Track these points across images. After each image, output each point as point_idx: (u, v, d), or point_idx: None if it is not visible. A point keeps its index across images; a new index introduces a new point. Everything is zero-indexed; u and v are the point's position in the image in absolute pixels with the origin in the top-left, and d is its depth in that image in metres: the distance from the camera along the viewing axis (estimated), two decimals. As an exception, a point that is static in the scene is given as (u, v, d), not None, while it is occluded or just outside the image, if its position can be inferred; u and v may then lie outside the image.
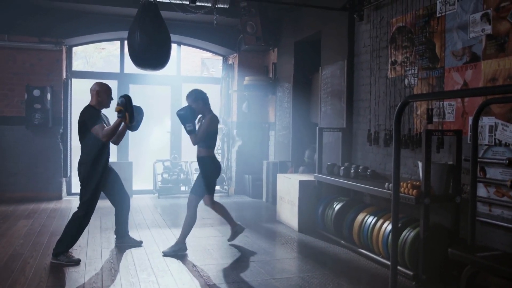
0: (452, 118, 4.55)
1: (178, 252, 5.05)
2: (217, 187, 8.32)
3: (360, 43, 6.18)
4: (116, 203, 5.29)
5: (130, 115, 4.79)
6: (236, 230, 5.49)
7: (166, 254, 5.03)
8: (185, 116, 5.02)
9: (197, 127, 5.17)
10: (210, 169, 5.20)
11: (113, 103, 5.11)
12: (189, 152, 9.80)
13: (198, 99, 5.18)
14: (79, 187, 4.85)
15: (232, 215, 5.57)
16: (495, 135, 4.05)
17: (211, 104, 5.37)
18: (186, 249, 5.13)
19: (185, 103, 5.28)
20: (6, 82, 8.21)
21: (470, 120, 4.14)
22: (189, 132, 5.04)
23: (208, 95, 5.32)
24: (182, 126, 5.16)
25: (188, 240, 5.46)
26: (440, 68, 4.72)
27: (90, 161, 4.79)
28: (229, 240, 5.53)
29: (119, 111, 4.77)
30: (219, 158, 9.38)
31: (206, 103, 5.23)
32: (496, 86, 3.98)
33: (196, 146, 5.22)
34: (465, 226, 4.06)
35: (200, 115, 5.26)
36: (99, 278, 4.29)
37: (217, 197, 6.89)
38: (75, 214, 4.80)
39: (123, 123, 4.87)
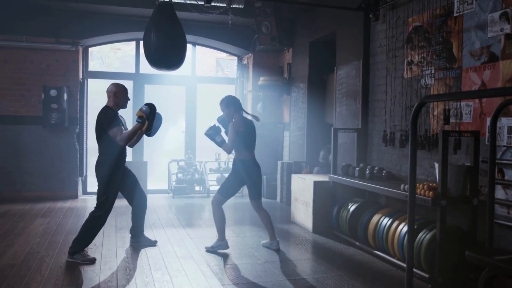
0: (470, 119, 4.49)
1: (217, 248, 5.19)
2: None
3: (375, 43, 6.14)
4: (133, 203, 5.32)
5: (149, 125, 4.80)
6: (272, 243, 5.39)
7: (207, 250, 5.19)
8: (211, 134, 5.16)
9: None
10: (246, 172, 5.22)
11: (130, 103, 5.14)
12: (204, 152, 9.85)
13: (230, 105, 5.22)
14: (97, 187, 4.89)
15: (246, 215, 5.56)
16: (513, 136, 3.99)
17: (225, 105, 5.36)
18: (226, 246, 5.23)
19: (200, 104, 5.31)
20: (23, 82, 8.32)
21: (488, 121, 4.09)
22: (219, 144, 5.16)
23: (222, 95, 5.34)
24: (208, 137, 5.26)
25: (202, 241, 5.48)
26: (458, 68, 4.66)
27: (107, 161, 4.82)
28: (264, 245, 5.46)
29: (139, 117, 4.78)
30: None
31: (237, 108, 5.25)
32: (515, 86, 3.91)
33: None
34: (482, 229, 4.00)
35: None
36: (114, 277, 4.32)
37: (232, 198, 6.88)
38: (92, 213, 4.84)
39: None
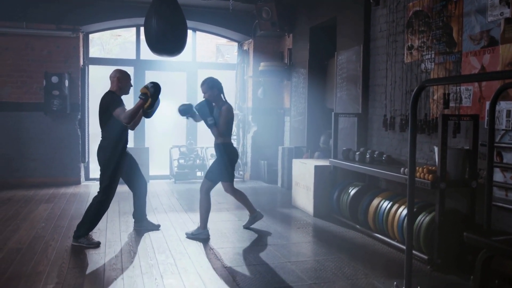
0: (469, 103, 4.53)
1: (198, 236, 5.12)
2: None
3: (376, 28, 6.14)
4: (133, 188, 5.38)
5: (152, 102, 4.77)
6: (255, 216, 5.54)
7: (187, 236, 5.16)
8: (204, 111, 5.04)
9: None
10: (227, 156, 5.22)
11: (132, 90, 5.18)
12: (205, 137, 9.88)
13: (214, 87, 5.18)
14: (99, 172, 4.95)
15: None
16: (512, 119, 4.03)
17: (226, 91, 5.39)
18: (207, 236, 5.14)
19: (200, 90, 5.31)
20: (24, 69, 8.34)
21: (487, 104, 4.13)
22: (210, 125, 5.07)
23: (223, 81, 5.35)
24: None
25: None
26: (457, 53, 4.69)
27: (109, 146, 4.87)
28: (245, 226, 5.59)
29: (143, 93, 4.75)
30: (234, 144, 9.44)
31: (220, 91, 5.23)
32: (514, 70, 3.94)
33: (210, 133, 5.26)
34: (480, 211, 4.06)
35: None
36: (119, 259, 4.39)
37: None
38: (95, 198, 4.91)
39: None
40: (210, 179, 5.24)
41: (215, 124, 5.07)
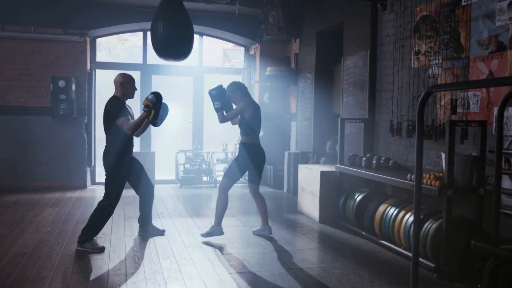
0: (477, 109, 4.48)
1: (212, 233, 5.24)
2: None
3: (383, 33, 6.11)
4: (140, 193, 5.37)
5: (155, 113, 4.82)
6: (264, 229, 5.47)
7: (202, 235, 5.26)
8: (214, 95, 5.26)
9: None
10: (247, 155, 5.27)
11: (137, 94, 5.18)
12: (211, 142, 9.88)
13: (237, 90, 5.31)
14: (104, 177, 4.94)
15: (253, 205, 5.60)
16: (521, 126, 3.98)
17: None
18: (222, 232, 5.27)
19: (207, 94, 5.38)
20: (32, 73, 8.38)
21: (495, 110, 4.08)
22: (216, 110, 5.25)
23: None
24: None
25: (210, 230, 5.53)
26: (465, 58, 4.64)
27: (115, 151, 4.87)
28: (254, 233, 5.54)
29: (146, 106, 4.81)
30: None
31: (244, 93, 5.34)
32: (522, 76, 3.90)
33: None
34: (488, 218, 4.00)
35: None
36: (123, 265, 4.38)
37: (238, 187, 6.92)
38: (100, 203, 4.90)
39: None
40: (227, 177, 5.34)
41: (220, 109, 5.24)
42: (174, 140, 10.56)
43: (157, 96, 4.83)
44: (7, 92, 8.29)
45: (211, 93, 5.29)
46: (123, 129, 4.79)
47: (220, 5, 7.32)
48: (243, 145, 5.31)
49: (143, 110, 4.83)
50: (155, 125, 5.01)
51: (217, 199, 5.32)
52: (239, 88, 5.33)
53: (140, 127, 4.91)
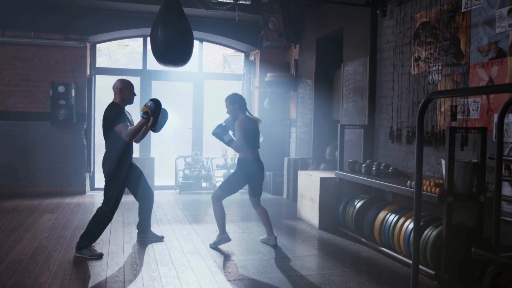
0: (477, 115, 4.47)
1: (220, 242, 5.22)
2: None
3: (383, 39, 6.11)
4: (140, 199, 5.35)
5: (154, 120, 4.82)
6: (269, 239, 5.41)
7: (211, 247, 5.20)
8: (219, 133, 5.19)
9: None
10: (241, 171, 5.23)
11: (137, 99, 5.17)
12: (211, 148, 9.87)
13: (235, 102, 5.25)
14: (104, 183, 4.92)
15: (252, 211, 5.58)
16: (521, 132, 3.97)
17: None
18: (228, 239, 5.26)
19: (207, 100, 5.34)
20: (32, 78, 8.38)
21: (496, 117, 4.06)
22: (228, 143, 5.17)
23: (229, 91, 5.37)
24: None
25: (208, 237, 5.51)
26: (465, 64, 4.64)
27: (114, 157, 4.85)
28: (261, 241, 5.49)
29: (144, 112, 4.81)
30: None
31: (242, 107, 5.27)
32: (522, 82, 3.89)
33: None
34: (489, 226, 3.98)
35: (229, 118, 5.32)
36: (121, 272, 4.35)
37: (238, 194, 6.89)
38: (99, 209, 4.87)
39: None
40: (222, 189, 5.29)
41: (232, 140, 5.17)
42: (174, 146, 10.55)
43: (156, 103, 4.82)
44: (6, 98, 8.28)
45: (216, 132, 5.21)
46: (121, 135, 4.78)
47: (220, 11, 7.34)
48: (241, 161, 5.24)
49: (141, 116, 4.83)
50: (155, 131, 5.01)
51: (213, 209, 5.30)
52: (237, 101, 5.26)
53: (138, 134, 4.90)
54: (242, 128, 5.14)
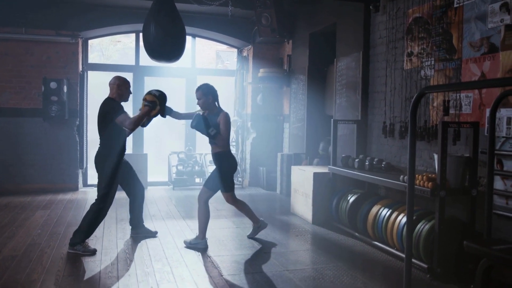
0: (469, 110, 4.50)
1: (196, 245, 4.99)
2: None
3: (376, 35, 6.12)
4: (130, 194, 5.34)
5: (161, 109, 4.88)
6: (259, 226, 5.43)
7: (186, 245, 5.04)
8: (200, 125, 4.81)
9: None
10: (226, 165, 5.04)
11: (131, 97, 5.16)
12: (204, 144, 9.84)
13: (208, 94, 4.98)
14: (97, 179, 4.90)
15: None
16: (513, 127, 4.00)
17: (226, 97, 5.32)
18: (206, 246, 5.01)
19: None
20: (23, 75, 8.32)
21: (488, 112, 4.09)
22: (214, 135, 4.84)
23: (222, 87, 5.30)
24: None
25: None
26: (457, 59, 4.66)
27: (108, 153, 4.84)
28: (249, 236, 5.46)
29: (151, 101, 4.78)
30: (233, 150, 9.41)
31: (215, 98, 5.03)
32: (514, 77, 3.91)
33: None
34: (481, 219, 4.01)
35: (200, 110, 5.08)
36: (115, 267, 4.34)
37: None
38: (93, 205, 4.85)
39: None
40: (210, 188, 5.10)
41: (218, 132, 4.87)
42: (167, 142, 10.52)
43: (163, 94, 4.90)
44: (-2, 94, 8.23)
45: (195, 125, 4.81)
46: (123, 125, 4.73)
47: (213, 6, 7.31)
48: (223, 154, 4.99)
49: (145, 105, 4.78)
50: (144, 124, 4.97)
51: (198, 211, 5.10)
52: (211, 93, 4.98)
53: (141, 122, 4.83)
54: (228, 121, 4.98)
